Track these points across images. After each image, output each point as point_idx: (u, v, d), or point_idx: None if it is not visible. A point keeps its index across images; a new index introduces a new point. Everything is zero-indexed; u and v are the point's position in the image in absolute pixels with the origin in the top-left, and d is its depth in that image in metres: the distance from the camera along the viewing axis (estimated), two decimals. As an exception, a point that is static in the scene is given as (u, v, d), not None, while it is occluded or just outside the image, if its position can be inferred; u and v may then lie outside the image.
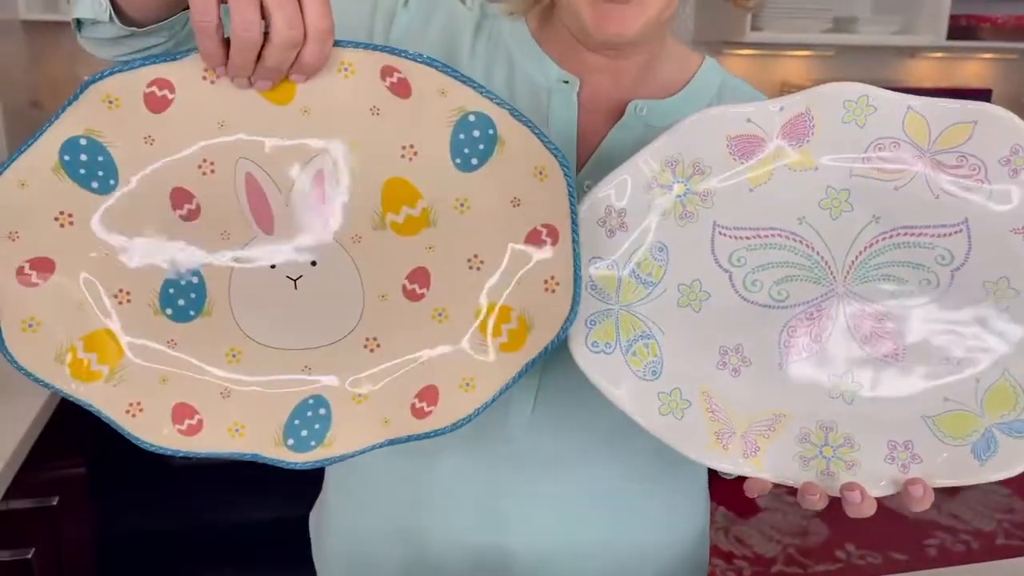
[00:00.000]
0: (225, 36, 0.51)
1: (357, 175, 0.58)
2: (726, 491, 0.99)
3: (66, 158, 0.55)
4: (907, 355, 0.62)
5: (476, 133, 0.58)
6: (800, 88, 0.61)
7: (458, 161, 0.58)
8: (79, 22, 0.61)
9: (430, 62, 0.56)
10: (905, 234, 0.61)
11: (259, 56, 0.52)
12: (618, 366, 0.60)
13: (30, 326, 0.56)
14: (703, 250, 0.62)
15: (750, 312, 0.62)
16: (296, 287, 0.59)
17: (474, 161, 0.58)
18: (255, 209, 0.58)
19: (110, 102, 0.54)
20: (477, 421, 0.60)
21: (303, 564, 0.89)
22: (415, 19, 0.71)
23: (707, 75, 0.74)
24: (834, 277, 0.62)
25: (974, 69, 2.81)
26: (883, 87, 0.60)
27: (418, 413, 0.60)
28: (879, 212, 0.61)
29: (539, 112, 0.70)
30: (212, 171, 0.57)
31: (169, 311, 0.59)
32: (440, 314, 0.61)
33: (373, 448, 0.59)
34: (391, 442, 0.60)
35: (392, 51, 0.56)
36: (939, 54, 2.71)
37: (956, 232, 0.60)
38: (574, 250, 0.58)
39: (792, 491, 0.61)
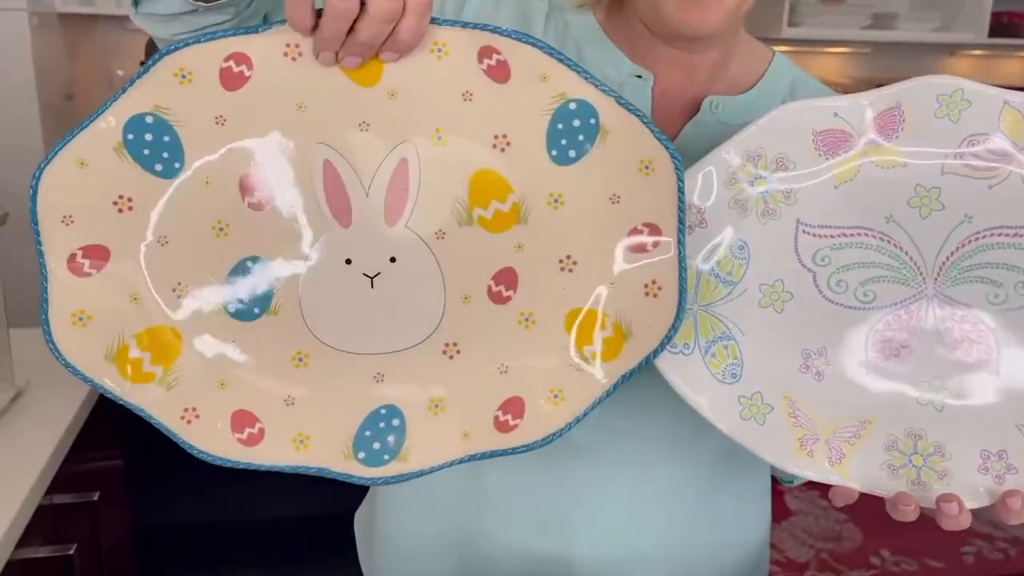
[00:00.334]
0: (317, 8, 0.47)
1: (443, 166, 0.54)
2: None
3: (130, 137, 0.50)
4: (999, 361, 0.60)
5: (576, 123, 0.53)
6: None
7: (554, 153, 0.54)
8: None
9: (536, 43, 0.51)
10: (1000, 234, 0.58)
11: (351, 29, 0.48)
12: (696, 368, 0.58)
13: (80, 320, 0.52)
14: (786, 249, 0.59)
15: (835, 314, 0.60)
16: (372, 286, 0.55)
17: (572, 153, 0.54)
18: (332, 199, 0.53)
19: (183, 76, 0.50)
20: None
21: (340, 559, 0.87)
22: (487, 2, 0.68)
23: (779, 71, 0.72)
24: (923, 278, 0.60)
25: (1015, 67, 2.76)
26: None
27: (502, 426, 0.56)
28: (972, 211, 0.58)
29: None
30: (287, 156, 0.52)
31: (232, 308, 0.54)
32: (527, 319, 0.57)
33: (452, 464, 0.55)
34: (472, 458, 0.55)
35: (494, 30, 0.51)
36: (979, 52, 2.67)
37: None
38: (679, 252, 0.54)
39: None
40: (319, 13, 0.48)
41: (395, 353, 0.56)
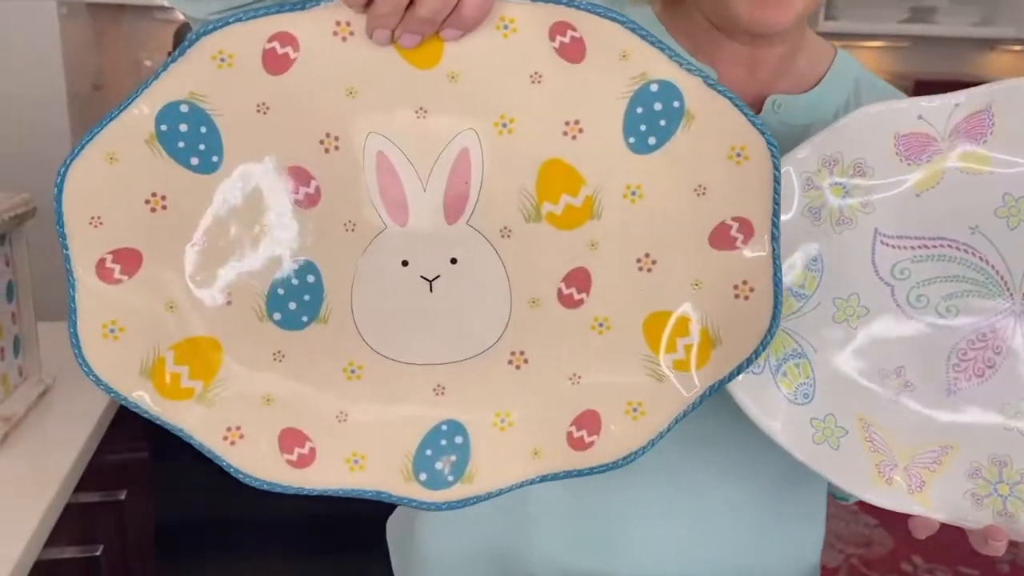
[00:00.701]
0: None
1: (509, 156, 0.49)
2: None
3: (163, 128, 0.46)
4: None
5: (658, 106, 0.48)
6: None
7: (632, 140, 0.49)
8: None
9: (617, 17, 0.46)
10: (1095, 248, 0.55)
11: (409, 4, 0.43)
12: (767, 388, 0.54)
13: (111, 332, 0.47)
14: (862, 260, 0.56)
15: (914, 331, 0.57)
16: (431, 290, 0.50)
17: (652, 140, 0.49)
18: (386, 194, 0.48)
19: (221, 60, 0.45)
20: None
21: (368, 556, 0.84)
22: None
23: (842, 68, 0.69)
24: (1011, 294, 0.57)
25: (1057, 64, 2.69)
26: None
27: (576, 443, 0.51)
28: None
29: None
30: (336, 147, 0.48)
31: (277, 316, 0.50)
32: (601, 324, 0.52)
33: (523, 485, 0.50)
34: (544, 478, 0.51)
35: (569, 3, 0.46)
36: (1020, 47, 2.60)
37: None
38: (773, 249, 0.49)
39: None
40: None
41: (456, 363, 0.52)
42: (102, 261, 0.47)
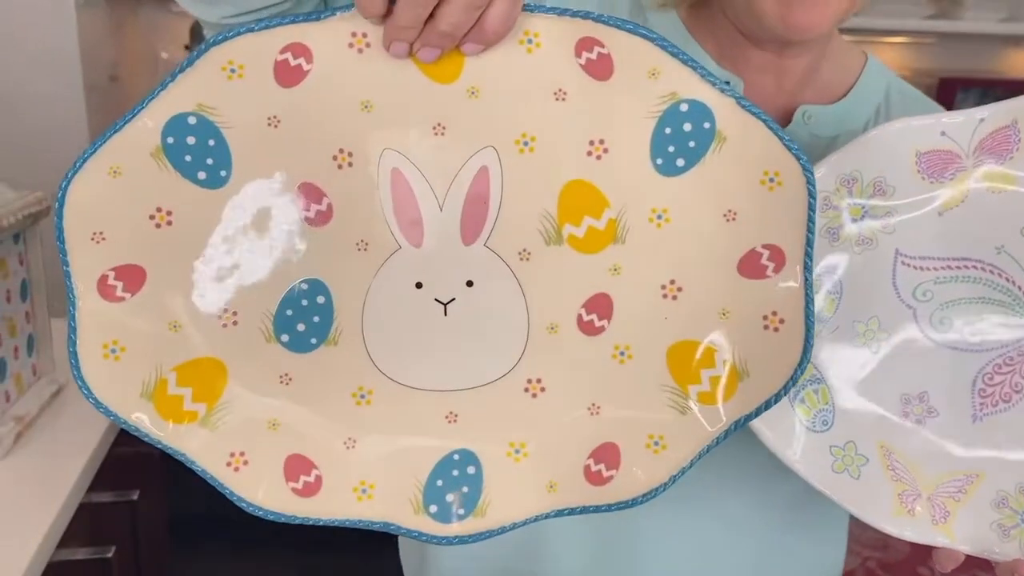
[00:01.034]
0: None
1: (530, 175, 0.47)
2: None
3: (170, 140, 0.44)
4: None
5: (687, 127, 0.46)
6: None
7: (660, 162, 0.47)
8: None
9: (648, 34, 0.44)
10: (1124, 269, 0.53)
11: (430, 16, 0.41)
12: (784, 414, 0.53)
13: (112, 352, 0.46)
14: (883, 282, 0.55)
15: (938, 355, 0.55)
16: (446, 313, 0.48)
17: (680, 162, 0.47)
18: (401, 214, 0.47)
19: (232, 71, 0.43)
20: None
21: (381, 550, 0.83)
22: None
23: (873, 77, 0.66)
24: None
25: (1087, 62, 2.63)
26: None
27: (594, 478, 0.49)
28: None
29: None
30: (350, 164, 0.46)
31: (285, 337, 0.48)
32: (623, 353, 0.50)
33: (537, 519, 0.48)
34: (560, 513, 0.49)
35: (598, 18, 0.44)
36: (1049, 44, 2.54)
37: None
38: (806, 280, 0.46)
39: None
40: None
41: (470, 390, 0.50)
42: (104, 278, 0.46)
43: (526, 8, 0.43)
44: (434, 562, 0.75)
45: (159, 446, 0.47)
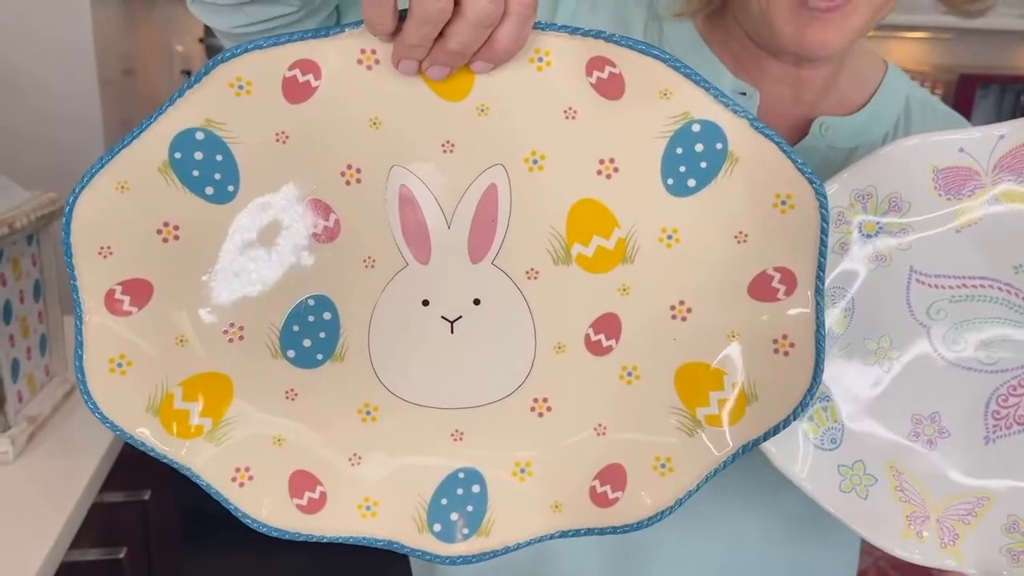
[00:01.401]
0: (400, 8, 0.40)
1: (539, 194, 0.46)
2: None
3: (177, 156, 0.44)
4: None
5: (699, 147, 0.46)
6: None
7: (671, 182, 0.46)
8: None
9: (660, 55, 0.44)
10: None
11: (440, 34, 0.41)
12: (791, 432, 0.52)
13: (119, 366, 0.46)
14: (896, 300, 0.54)
15: (951, 375, 0.54)
16: (452, 331, 0.48)
17: (691, 183, 0.46)
18: (409, 231, 0.46)
19: (240, 87, 0.43)
20: None
21: (386, 551, 0.83)
22: (582, 5, 0.61)
23: (893, 87, 0.65)
24: None
25: (1110, 58, 2.59)
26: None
27: (599, 499, 0.48)
28: None
29: None
30: (358, 180, 0.46)
31: (291, 353, 0.48)
32: (630, 373, 0.49)
33: (542, 540, 0.48)
34: (564, 534, 0.48)
35: (609, 38, 0.43)
36: (1071, 40, 2.50)
37: None
38: (817, 304, 0.46)
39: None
40: (402, 15, 0.40)
41: (476, 408, 0.49)
42: (111, 292, 0.45)
43: (537, 26, 0.43)
44: (442, 571, 0.74)
45: (164, 460, 0.47)
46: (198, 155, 0.44)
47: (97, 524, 0.93)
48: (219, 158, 0.45)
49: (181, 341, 0.47)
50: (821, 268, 0.46)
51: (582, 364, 0.49)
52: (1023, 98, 2.41)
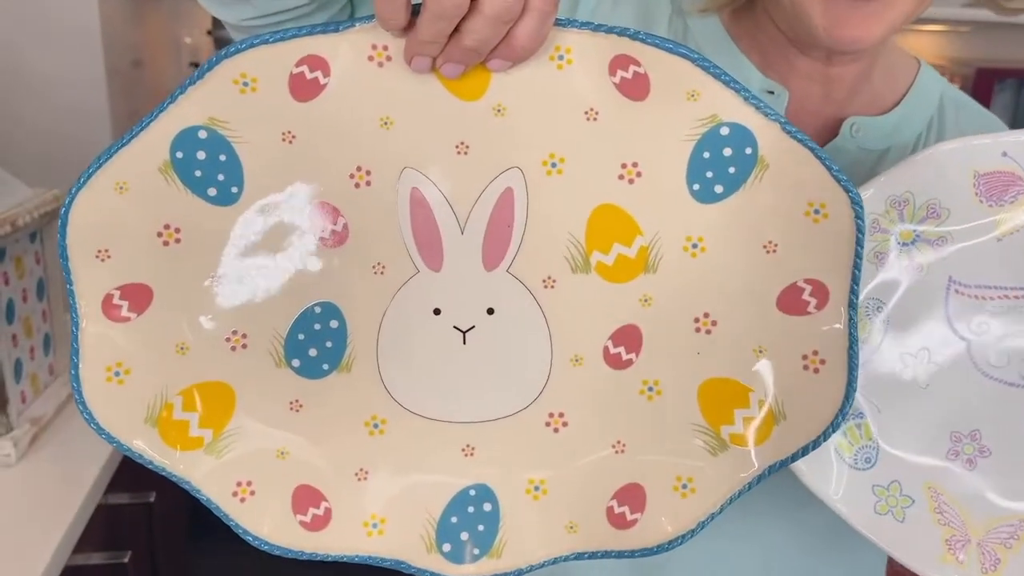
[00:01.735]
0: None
1: (557, 199, 0.44)
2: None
3: (179, 155, 0.42)
4: None
5: (728, 151, 0.43)
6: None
7: (697, 187, 0.44)
8: None
9: (688, 54, 0.41)
10: None
11: (455, 29, 0.39)
12: (823, 450, 0.50)
13: (116, 374, 0.44)
14: (934, 312, 0.52)
15: (992, 391, 0.52)
16: (465, 341, 0.46)
17: (719, 188, 0.44)
18: (420, 236, 0.44)
19: (244, 84, 0.41)
20: None
21: None
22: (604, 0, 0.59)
23: (926, 86, 0.62)
24: None
25: None
26: None
27: (617, 520, 0.46)
28: None
29: None
30: (367, 182, 0.43)
31: (296, 363, 0.46)
32: (651, 388, 0.47)
33: (556, 562, 0.46)
34: (579, 556, 0.46)
35: (635, 35, 0.41)
36: (1092, 34, 2.45)
37: None
38: (851, 319, 0.44)
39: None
40: (416, 9, 0.38)
41: (489, 422, 0.47)
42: (109, 297, 0.43)
43: (558, 23, 0.41)
44: None
45: (163, 473, 0.45)
46: (201, 155, 0.42)
47: (101, 527, 0.92)
48: (222, 158, 0.43)
49: (181, 348, 0.45)
50: (855, 281, 0.43)
51: (600, 378, 0.47)
52: (1043, 93, 2.37)
